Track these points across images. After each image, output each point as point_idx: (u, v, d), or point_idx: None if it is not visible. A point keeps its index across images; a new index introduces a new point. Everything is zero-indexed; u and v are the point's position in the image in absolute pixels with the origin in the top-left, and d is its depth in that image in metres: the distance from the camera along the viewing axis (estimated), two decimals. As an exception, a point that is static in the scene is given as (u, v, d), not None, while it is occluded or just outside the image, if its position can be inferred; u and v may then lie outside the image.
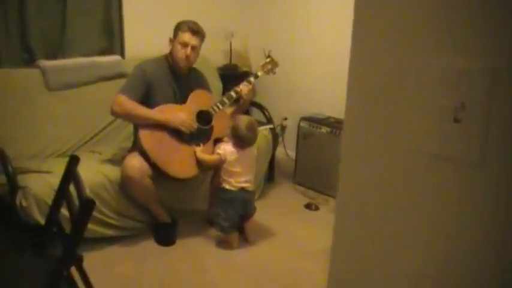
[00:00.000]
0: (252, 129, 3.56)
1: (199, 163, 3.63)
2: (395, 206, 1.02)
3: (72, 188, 2.32)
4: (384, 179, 1.03)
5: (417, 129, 0.96)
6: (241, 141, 3.55)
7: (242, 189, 3.58)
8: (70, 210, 2.28)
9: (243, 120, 3.57)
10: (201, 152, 3.64)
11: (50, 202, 2.74)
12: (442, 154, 0.92)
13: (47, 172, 3.37)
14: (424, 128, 0.95)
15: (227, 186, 3.57)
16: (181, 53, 3.67)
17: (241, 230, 3.74)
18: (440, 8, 0.90)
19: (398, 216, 1.02)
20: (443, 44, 0.91)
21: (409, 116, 0.97)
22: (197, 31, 3.69)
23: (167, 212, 3.74)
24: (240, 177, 3.57)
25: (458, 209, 0.93)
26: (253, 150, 3.70)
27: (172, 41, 3.72)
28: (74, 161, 2.37)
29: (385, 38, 0.99)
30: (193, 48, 3.71)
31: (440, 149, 0.93)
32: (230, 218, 3.59)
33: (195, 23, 3.72)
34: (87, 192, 2.57)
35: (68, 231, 2.31)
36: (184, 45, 3.66)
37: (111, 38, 4.54)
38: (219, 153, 3.58)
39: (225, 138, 3.72)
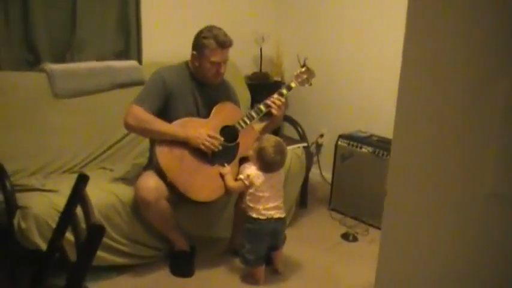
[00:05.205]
0: (281, 151, 3.53)
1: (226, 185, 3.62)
2: (446, 245, 1.04)
3: (79, 210, 2.31)
4: (435, 217, 1.05)
5: (475, 164, 0.96)
6: (269, 165, 3.51)
7: (272, 218, 3.53)
8: (76, 235, 2.27)
9: (270, 142, 3.52)
10: (229, 174, 3.62)
11: (53, 225, 2.75)
12: (501, 193, 0.91)
13: (51, 191, 3.38)
14: (483, 163, 0.95)
15: (254, 215, 3.52)
16: (211, 72, 3.65)
17: (268, 261, 3.70)
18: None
19: (448, 256, 1.04)
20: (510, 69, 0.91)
21: (466, 148, 0.97)
22: (228, 43, 3.63)
23: (185, 238, 3.73)
24: (268, 202, 3.52)
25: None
26: (280, 172, 3.66)
27: (196, 57, 3.66)
28: (82, 179, 2.36)
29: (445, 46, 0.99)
30: (225, 61, 3.70)
31: (499, 188, 0.91)
32: (257, 250, 3.55)
33: (221, 32, 3.63)
34: (96, 215, 2.56)
35: (72, 257, 2.30)
36: (217, 64, 3.64)
37: (128, 39, 4.53)
38: (241, 179, 3.55)
39: (249, 157, 3.69)
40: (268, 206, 3.52)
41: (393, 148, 1.09)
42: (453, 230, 1.01)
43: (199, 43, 3.63)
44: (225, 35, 3.64)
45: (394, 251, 1.14)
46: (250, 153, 3.58)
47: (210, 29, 3.64)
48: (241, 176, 3.56)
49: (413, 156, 1.05)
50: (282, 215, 3.60)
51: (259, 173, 3.52)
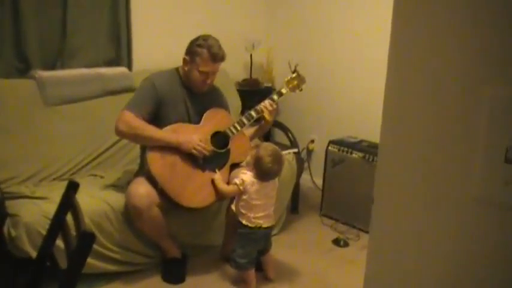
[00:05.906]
0: (278, 161, 3.49)
1: (217, 191, 3.59)
2: (432, 252, 1.03)
3: (69, 218, 2.29)
4: (421, 223, 1.04)
5: (462, 168, 0.95)
6: (265, 174, 3.48)
7: (260, 227, 3.51)
8: (66, 242, 2.25)
9: (267, 150, 3.48)
10: (220, 180, 3.60)
11: (43, 232, 2.71)
12: (487, 198, 0.90)
13: (41, 198, 3.35)
14: (469, 168, 0.94)
15: (244, 221, 3.51)
16: (199, 80, 3.63)
17: (258, 267, 3.68)
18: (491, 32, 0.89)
19: (435, 263, 1.03)
20: (495, 73, 0.90)
21: (452, 153, 0.96)
22: (220, 57, 3.61)
23: (177, 246, 3.71)
24: (260, 211, 3.50)
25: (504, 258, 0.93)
26: (275, 180, 3.63)
27: (187, 62, 3.64)
28: (72, 187, 2.33)
29: (428, 58, 0.98)
30: (215, 73, 3.68)
31: (485, 192, 0.90)
32: (248, 254, 3.53)
33: (217, 44, 3.61)
34: (87, 222, 2.53)
35: (63, 265, 2.27)
36: (205, 74, 3.62)
37: (118, 47, 4.51)
38: (236, 183, 3.53)
39: (243, 163, 3.68)
40: (258, 215, 3.50)
41: (380, 153, 1.08)
42: (442, 235, 1.00)
43: (192, 50, 3.61)
44: (220, 47, 3.61)
45: (382, 259, 1.14)
46: (248, 159, 3.56)
47: (206, 38, 3.61)
48: (236, 181, 3.53)
49: (401, 162, 1.04)
50: (270, 224, 3.60)
51: (255, 181, 3.49)
